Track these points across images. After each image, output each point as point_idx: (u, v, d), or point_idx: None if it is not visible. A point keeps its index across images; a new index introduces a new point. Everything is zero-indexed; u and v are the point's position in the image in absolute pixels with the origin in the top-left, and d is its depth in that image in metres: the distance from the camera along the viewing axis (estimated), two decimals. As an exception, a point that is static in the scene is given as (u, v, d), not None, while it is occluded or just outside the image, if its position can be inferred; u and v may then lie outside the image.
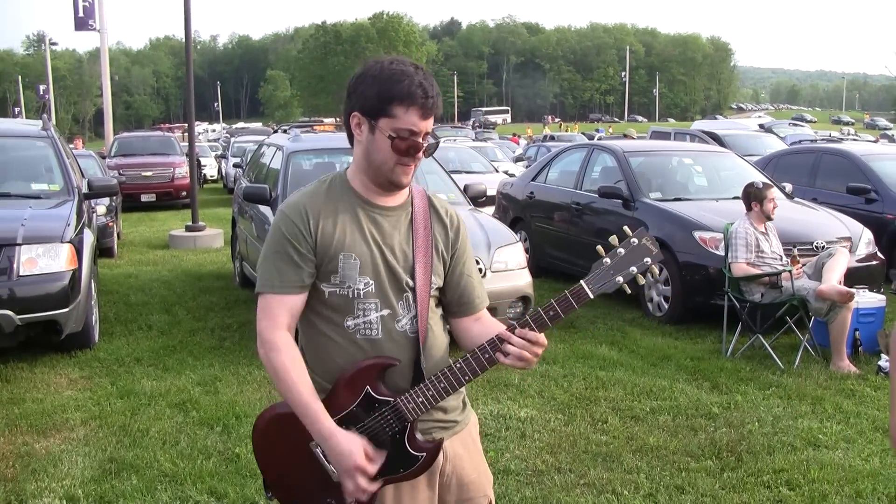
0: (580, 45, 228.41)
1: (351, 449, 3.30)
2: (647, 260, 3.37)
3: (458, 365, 3.37)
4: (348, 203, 3.48)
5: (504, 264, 10.72)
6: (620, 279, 3.36)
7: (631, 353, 10.54)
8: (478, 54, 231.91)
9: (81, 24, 43.00)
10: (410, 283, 3.49)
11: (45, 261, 9.63)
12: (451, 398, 3.55)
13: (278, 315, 3.41)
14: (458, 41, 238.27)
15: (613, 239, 3.39)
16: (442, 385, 3.37)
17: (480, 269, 10.44)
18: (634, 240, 3.38)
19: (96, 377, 9.66)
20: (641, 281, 3.42)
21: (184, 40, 21.89)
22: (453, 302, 3.69)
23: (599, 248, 3.39)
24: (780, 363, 9.93)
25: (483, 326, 3.65)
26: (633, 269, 3.37)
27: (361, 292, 3.43)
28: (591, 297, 3.35)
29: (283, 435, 3.50)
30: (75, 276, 9.84)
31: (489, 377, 9.28)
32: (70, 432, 7.95)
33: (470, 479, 3.72)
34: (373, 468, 3.33)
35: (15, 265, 9.47)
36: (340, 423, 3.37)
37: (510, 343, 3.30)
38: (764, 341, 10.22)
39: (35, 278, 9.56)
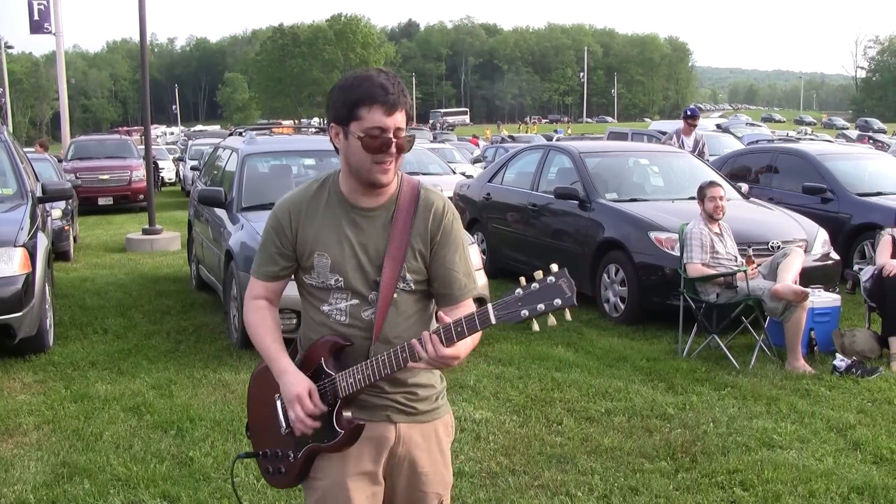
0: (538, 46, 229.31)
1: (296, 382, 3.67)
2: (558, 301, 3.30)
3: (381, 358, 3.56)
4: (332, 204, 3.75)
5: (460, 266, 10.66)
6: (526, 313, 3.31)
7: (587, 354, 10.55)
8: (436, 56, 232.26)
9: (37, 27, 42.61)
10: (377, 277, 3.69)
11: (-2, 265, 9.57)
12: (421, 390, 3.87)
13: (256, 289, 3.94)
14: (417, 43, 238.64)
15: (538, 273, 3.36)
16: (368, 371, 3.59)
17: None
18: (551, 278, 3.33)
19: (50, 381, 9.59)
20: (552, 322, 3.36)
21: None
22: (436, 292, 3.84)
23: (522, 278, 3.38)
24: (735, 363, 9.97)
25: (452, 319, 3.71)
26: (541, 306, 3.31)
27: (333, 287, 3.73)
28: (494, 322, 3.33)
29: (262, 385, 3.92)
30: (28, 280, 9.79)
31: (445, 378, 9.28)
32: (23, 437, 7.90)
33: (424, 470, 3.90)
34: (310, 404, 3.62)
35: (-32, 270, 9.41)
36: None
37: (422, 350, 3.42)
38: (720, 341, 10.26)
39: (-12, 282, 9.49)
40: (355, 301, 3.71)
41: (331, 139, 3.70)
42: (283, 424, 3.75)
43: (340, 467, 3.73)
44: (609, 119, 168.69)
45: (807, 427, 8.06)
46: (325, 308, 3.75)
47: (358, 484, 3.75)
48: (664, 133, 26.27)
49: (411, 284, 3.75)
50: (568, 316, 3.33)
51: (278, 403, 3.77)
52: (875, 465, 7.23)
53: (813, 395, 8.99)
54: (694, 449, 7.50)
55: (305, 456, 3.76)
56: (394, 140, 3.54)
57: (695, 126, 18.20)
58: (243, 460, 4.10)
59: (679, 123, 19.31)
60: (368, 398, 3.72)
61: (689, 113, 18.39)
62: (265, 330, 3.85)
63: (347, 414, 3.68)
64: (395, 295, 3.70)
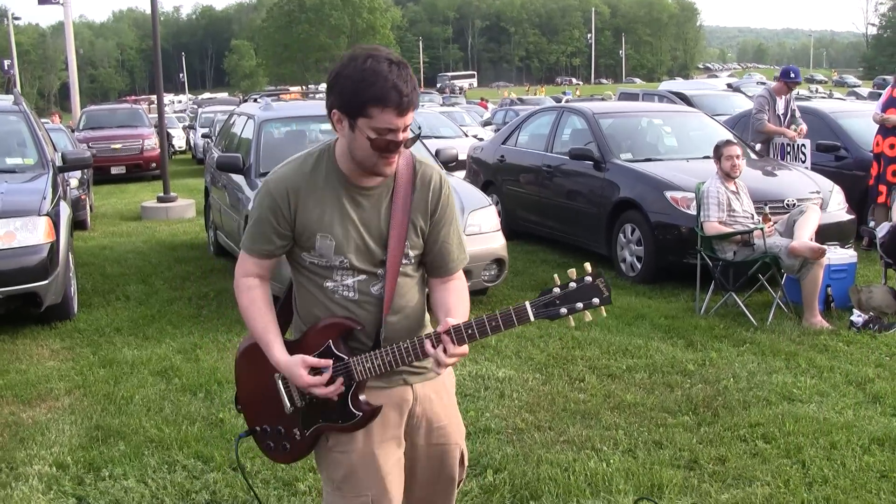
0: (545, 8, 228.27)
1: (293, 372, 3.67)
2: (596, 300, 3.51)
3: (405, 345, 3.62)
4: (332, 183, 3.71)
5: (478, 227, 10.80)
6: (565, 311, 3.52)
7: (606, 313, 10.57)
8: (443, 19, 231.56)
9: (45, -3, 42.61)
10: (383, 256, 3.74)
11: (24, 234, 9.67)
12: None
13: (248, 267, 3.86)
14: (423, 6, 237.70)
15: (572, 272, 3.53)
16: (389, 359, 3.65)
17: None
18: (589, 278, 3.51)
19: (78, 347, 9.72)
20: (588, 318, 3.55)
21: (148, 12, 21.85)
22: (429, 263, 3.93)
23: (556, 276, 3.57)
24: (753, 320, 10.03)
25: (445, 293, 3.91)
26: (580, 304, 3.51)
27: (337, 266, 3.74)
28: (532, 320, 3.51)
29: (256, 360, 3.86)
30: (53, 248, 9.88)
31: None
32: (55, 401, 8.02)
33: (441, 423, 4.03)
34: (320, 378, 3.64)
35: (-7, 239, 9.51)
36: None
37: (444, 347, 3.52)
38: (737, 299, 10.31)
39: (13, 251, 9.60)
40: (363, 277, 3.75)
41: (331, 123, 3.63)
42: (288, 404, 3.81)
43: (366, 438, 3.79)
44: (637, 80, 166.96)
45: (826, 381, 8.15)
46: (329, 284, 3.75)
47: (385, 451, 3.83)
48: (675, 94, 26.10)
49: (412, 259, 3.84)
50: (603, 313, 3.54)
51: (280, 383, 3.81)
52: (895, 416, 7.32)
53: (831, 351, 9.07)
54: (715, 403, 7.59)
55: (315, 433, 3.83)
56: (401, 140, 3.54)
57: (793, 88, 16.09)
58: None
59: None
60: None
61: (792, 75, 15.83)
62: (257, 313, 3.80)
63: (363, 396, 3.74)
64: (400, 271, 3.77)
